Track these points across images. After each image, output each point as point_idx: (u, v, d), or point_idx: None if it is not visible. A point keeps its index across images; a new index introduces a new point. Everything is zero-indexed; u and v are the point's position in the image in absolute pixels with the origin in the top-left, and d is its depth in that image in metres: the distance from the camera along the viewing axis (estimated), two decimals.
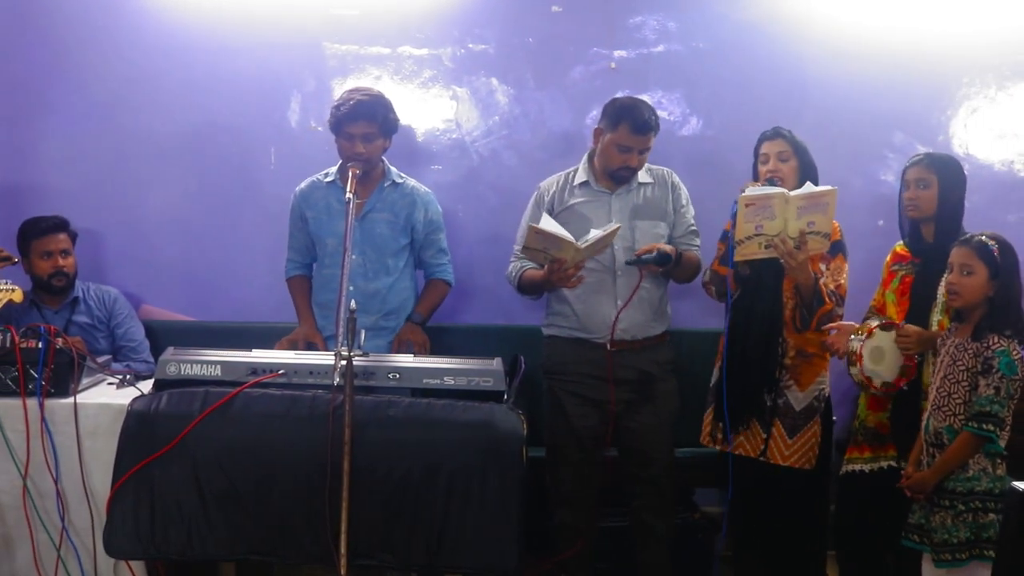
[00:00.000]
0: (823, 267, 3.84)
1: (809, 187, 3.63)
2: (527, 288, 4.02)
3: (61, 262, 4.41)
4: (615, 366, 3.91)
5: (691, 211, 4.07)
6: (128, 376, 3.84)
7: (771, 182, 3.83)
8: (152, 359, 4.44)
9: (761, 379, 3.89)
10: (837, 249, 3.88)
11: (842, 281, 3.86)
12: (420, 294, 4.31)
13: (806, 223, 3.61)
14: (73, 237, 4.49)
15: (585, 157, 4.07)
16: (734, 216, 3.73)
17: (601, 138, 3.95)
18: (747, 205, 3.62)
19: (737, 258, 3.73)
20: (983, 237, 3.40)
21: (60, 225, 4.44)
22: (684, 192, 4.07)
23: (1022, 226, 4.70)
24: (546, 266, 3.75)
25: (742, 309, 3.94)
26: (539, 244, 3.67)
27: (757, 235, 3.65)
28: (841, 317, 3.84)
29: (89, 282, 4.58)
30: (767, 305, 3.88)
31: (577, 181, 4.03)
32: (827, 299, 3.78)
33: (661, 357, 4.00)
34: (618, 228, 3.72)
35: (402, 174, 4.24)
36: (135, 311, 4.65)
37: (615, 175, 3.94)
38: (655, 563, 4.04)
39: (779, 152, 3.92)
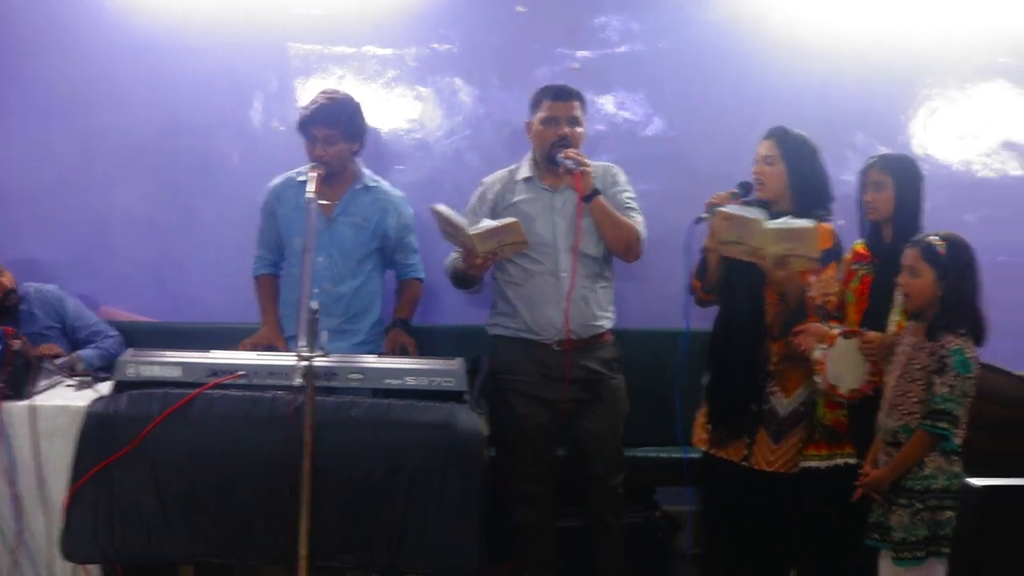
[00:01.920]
0: (812, 278, 3.75)
1: (787, 222, 3.54)
2: (456, 277, 4.00)
3: (3, 281, 4.33)
4: (563, 365, 3.89)
5: (628, 192, 4.01)
6: (87, 378, 3.81)
7: (744, 185, 3.81)
8: (115, 331, 4.47)
9: (744, 387, 3.85)
10: (829, 257, 3.78)
11: (831, 295, 3.79)
12: (397, 297, 4.30)
13: (786, 249, 3.55)
14: None
15: (529, 154, 4.05)
16: (695, 224, 3.73)
17: (531, 129, 3.96)
18: (723, 219, 3.59)
19: (722, 252, 3.69)
20: (932, 238, 3.41)
21: None
22: (623, 177, 4.04)
23: (981, 225, 4.75)
24: (459, 252, 3.80)
25: (723, 317, 3.93)
26: (446, 227, 3.72)
27: (738, 243, 3.62)
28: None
29: (28, 284, 4.49)
30: (747, 312, 3.84)
31: (520, 176, 4.02)
32: (811, 313, 3.74)
33: (607, 355, 3.99)
34: (515, 223, 3.68)
35: (376, 177, 4.23)
36: (94, 311, 4.61)
37: (553, 156, 3.85)
38: (611, 561, 4.04)
39: (765, 155, 3.85)
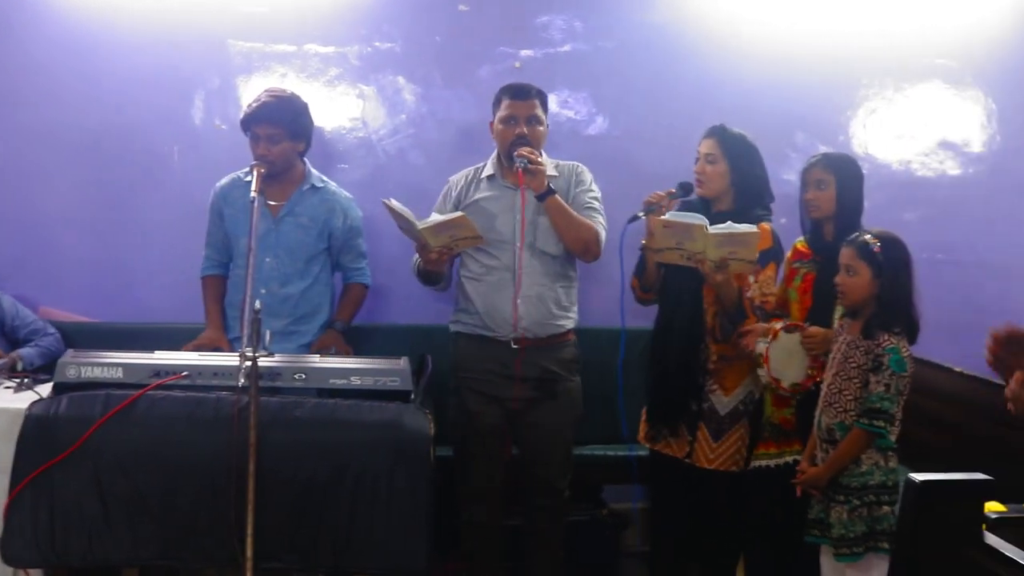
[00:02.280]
0: (751, 279, 3.81)
1: (730, 227, 3.57)
2: (420, 274, 4.00)
3: None
4: (515, 363, 3.91)
5: (592, 192, 4.01)
6: (26, 380, 3.75)
7: (684, 185, 3.84)
8: (54, 329, 4.44)
9: (685, 385, 3.89)
10: (768, 258, 3.83)
11: (770, 295, 3.84)
12: (338, 299, 4.28)
13: (728, 252, 3.59)
14: None
15: (494, 153, 4.06)
16: (629, 223, 3.77)
17: (493, 127, 3.98)
18: (664, 227, 3.61)
19: (658, 259, 3.74)
20: (867, 236, 3.45)
21: None
22: (588, 177, 4.04)
23: (919, 224, 4.84)
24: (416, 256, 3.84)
25: (663, 316, 3.96)
26: (400, 222, 3.74)
27: (677, 248, 3.65)
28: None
29: None
30: (687, 312, 3.87)
31: (484, 174, 4.03)
32: (751, 313, 3.78)
33: (566, 355, 3.99)
34: (462, 217, 3.70)
35: (324, 178, 4.22)
36: (33, 311, 4.54)
37: (512, 154, 3.84)
38: (544, 563, 4.05)
39: (707, 153, 3.88)
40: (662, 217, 3.64)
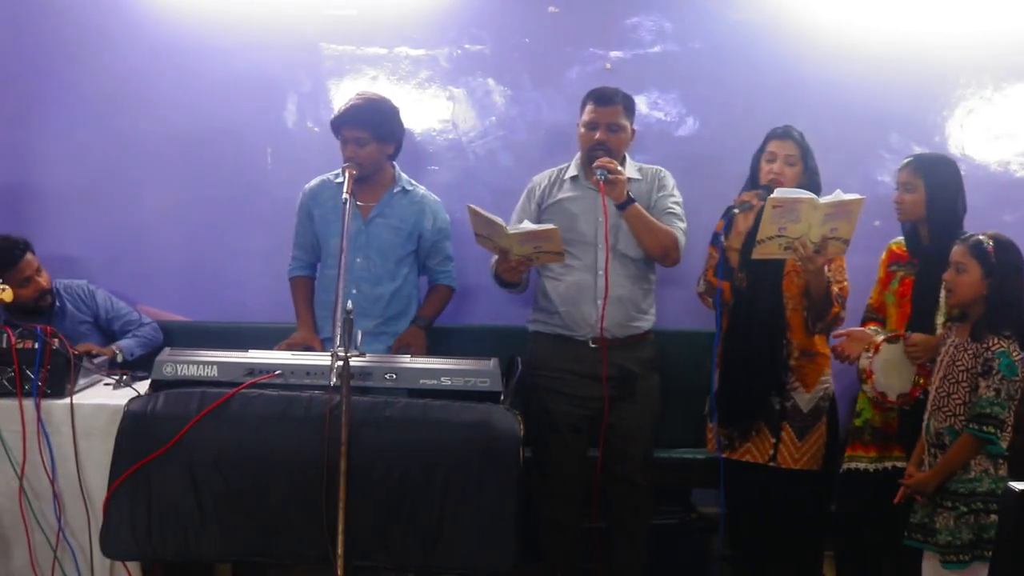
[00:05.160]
0: (825, 269, 3.83)
1: (839, 195, 3.59)
2: (498, 277, 3.98)
3: (40, 281, 4.36)
4: (597, 363, 3.89)
5: (674, 197, 4.00)
6: (124, 377, 3.83)
7: (767, 188, 3.81)
8: (149, 319, 4.56)
9: (768, 383, 3.87)
10: None
11: (844, 283, 3.86)
12: (424, 299, 4.31)
13: (829, 229, 3.59)
14: (32, 249, 4.37)
15: (578, 154, 4.06)
16: (729, 220, 3.74)
17: (578, 130, 3.97)
18: (774, 207, 3.59)
19: (756, 256, 3.71)
20: (981, 236, 3.40)
21: (23, 247, 4.31)
22: (670, 182, 4.03)
23: (1019, 226, 4.68)
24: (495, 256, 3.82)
25: (741, 313, 3.93)
26: (482, 229, 3.72)
27: (779, 236, 3.63)
28: (844, 319, 3.84)
29: (58, 280, 4.52)
30: (768, 307, 3.86)
31: (568, 175, 4.03)
32: (835, 302, 3.78)
33: (644, 355, 3.98)
34: (554, 230, 3.67)
35: (412, 181, 4.25)
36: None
37: (591, 159, 3.84)
38: (630, 563, 4.03)
39: (787, 155, 3.89)
40: (772, 195, 3.61)
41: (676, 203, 3.99)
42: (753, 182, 3.95)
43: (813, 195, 3.61)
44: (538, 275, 4.06)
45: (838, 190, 3.64)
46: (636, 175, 3.99)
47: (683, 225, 3.97)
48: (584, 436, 4.00)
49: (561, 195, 4.00)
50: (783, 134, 3.92)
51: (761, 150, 3.97)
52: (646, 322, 4.00)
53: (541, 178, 4.10)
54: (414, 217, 4.16)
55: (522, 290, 4.09)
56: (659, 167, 4.08)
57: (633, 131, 4.00)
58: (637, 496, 4.00)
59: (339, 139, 4.04)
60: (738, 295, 3.92)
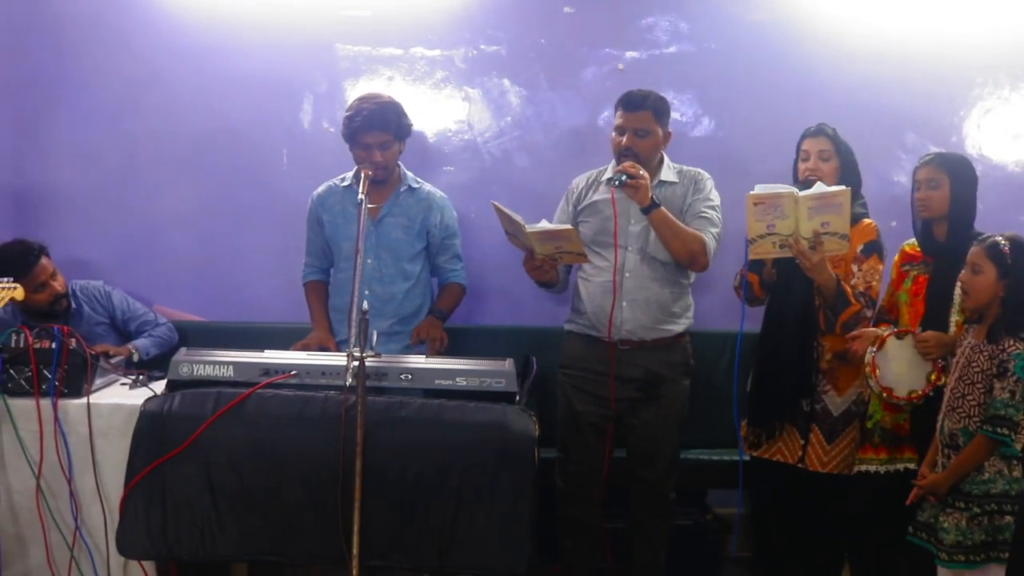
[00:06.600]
0: (855, 268, 3.81)
1: (820, 187, 3.59)
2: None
3: (55, 285, 4.37)
4: (622, 364, 3.89)
5: (709, 201, 3.95)
6: (141, 376, 3.84)
7: (806, 185, 3.80)
8: (165, 319, 4.59)
9: (797, 384, 3.85)
10: (872, 249, 3.85)
11: (874, 283, 3.82)
12: (437, 295, 4.30)
13: (819, 224, 3.57)
14: (48, 253, 4.37)
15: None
16: None
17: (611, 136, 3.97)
18: (755, 204, 3.58)
19: (752, 256, 3.71)
20: (998, 237, 3.38)
21: (38, 252, 4.30)
22: (707, 185, 3.98)
23: None
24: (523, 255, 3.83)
25: (773, 313, 3.93)
26: (509, 227, 3.74)
27: (770, 234, 3.62)
28: (871, 319, 3.83)
29: (74, 281, 4.53)
30: (798, 308, 3.85)
31: (604, 176, 4.02)
32: (853, 300, 3.75)
33: (674, 358, 3.96)
34: (571, 230, 3.68)
35: (418, 179, 4.25)
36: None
37: (620, 163, 3.84)
38: (647, 565, 4.03)
39: (820, 150, 3.90)
40: (751, 192, 3.60)
41: (711, 207, 3.95)
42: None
43: (793, 189, 3.60)
44: (575, 276, 4.06)
45: (819, 183, 3.63)
46: (673, 178, 3.97)
47: (715, 230, 3.92)
48: (607, 436, 3.98)
49: (596, 197, 4.00)
50: (815, 132, 3.93)
51: (796, 152, 3.97)
52: (678, 325, 3.95)
53: (580, 180, 4.11)
54: (422, 214, 4.17)
55: (560, 290, 4.09)
56: (699, 170, 4.04)
57: (668, 134, 3.97)
58: (657, 499, 4.00)
59: (356, 146, 4.03)
60: (773, 294, 3.91)
